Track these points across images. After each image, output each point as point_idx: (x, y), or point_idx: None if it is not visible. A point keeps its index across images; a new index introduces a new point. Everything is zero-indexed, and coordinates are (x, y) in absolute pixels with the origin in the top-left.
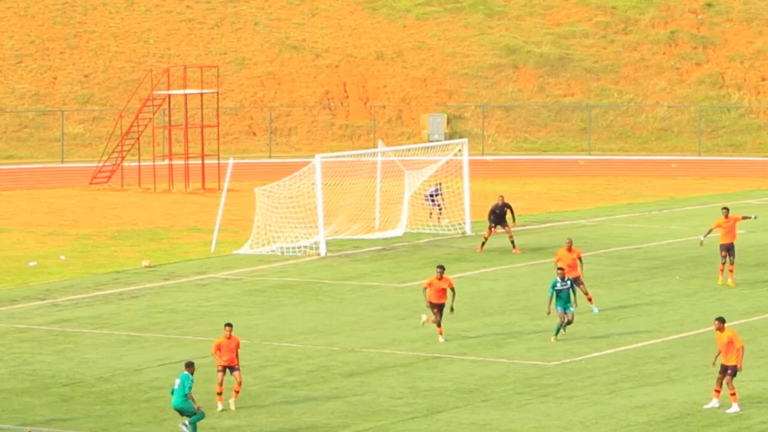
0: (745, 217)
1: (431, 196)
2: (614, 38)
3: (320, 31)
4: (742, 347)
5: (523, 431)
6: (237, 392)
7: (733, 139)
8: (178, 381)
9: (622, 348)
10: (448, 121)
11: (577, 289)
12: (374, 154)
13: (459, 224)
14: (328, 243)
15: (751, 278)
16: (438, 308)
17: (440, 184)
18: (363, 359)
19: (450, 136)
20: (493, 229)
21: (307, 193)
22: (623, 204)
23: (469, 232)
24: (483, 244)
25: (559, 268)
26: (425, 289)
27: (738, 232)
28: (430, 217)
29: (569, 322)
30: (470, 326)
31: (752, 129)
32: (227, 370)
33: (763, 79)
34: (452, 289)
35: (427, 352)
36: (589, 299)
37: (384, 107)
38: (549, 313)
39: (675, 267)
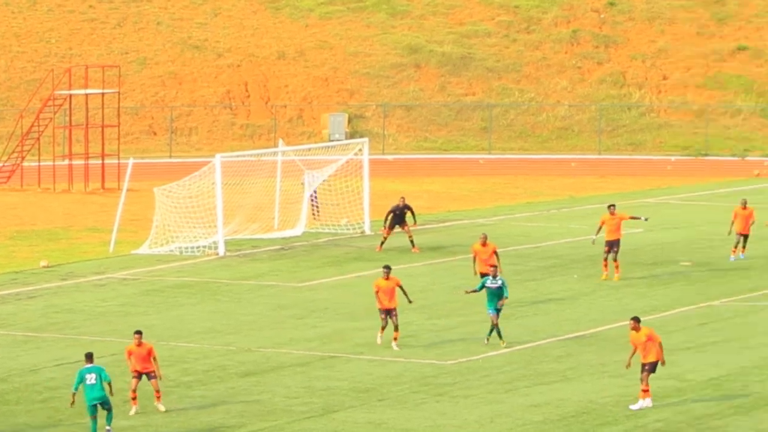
0: (633, 218)
1: (314, 192)
2: (516, 37)
3: (222, 30)
4: (660, 343)
5: (419, 430)
6: (158, 397)
7: (634, 138)
8: (92, 375)
9: (519, 347)
10: (349, 121)
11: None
12: (275, 153)
13: (358, 223)
14: (226, 242)
15: (647, 277)
16: (388, 313)
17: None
18: (260, 359)
19: (351, 135)
20: (387, 229)
21: (206, 192)
22: (523, 203)
23: (368, 232)
24: (382, 243)
25: (491, 266)
26: (377, 293)
27: (636, 231)
28: (315, 218)
29: (495, 326)
30: (367, 325)
31: (652, 128)
32: (143, 376)
33: (665, 78)
34: (401, 287)
35: (323, 352)
36: None
37: (285, 107)
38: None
39: (573, 266)
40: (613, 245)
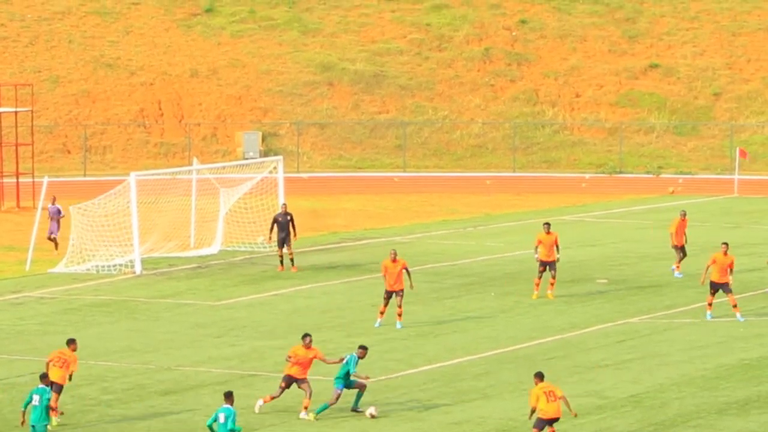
0: (557, 246)
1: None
2: (429, 55)
3: (135, 48)
4: (564, 397)
5: None
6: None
7: (548, 155)
8: (37, 397)
9: (438, 364)
10: (263, 139)
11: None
12: (189, 171)
13: (274, 242)
14: (143, 261)
15: (566, 294)
16: (290, 382)
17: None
18: (179, 377)
19: (265, 153)
20: (279, 249)
21: (122, 211)
22: (438, 221)
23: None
24: (281, 262)
25: (360, 347)
26: (288, 358)
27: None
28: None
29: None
30: (286, 344)
31: (566, 145)
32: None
33: (577, 96)
34: (319, 360)
35: (242, 370)
36: (399, 314)
37: (199, 125)
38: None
39: (490, 283)
40: (550, 264)
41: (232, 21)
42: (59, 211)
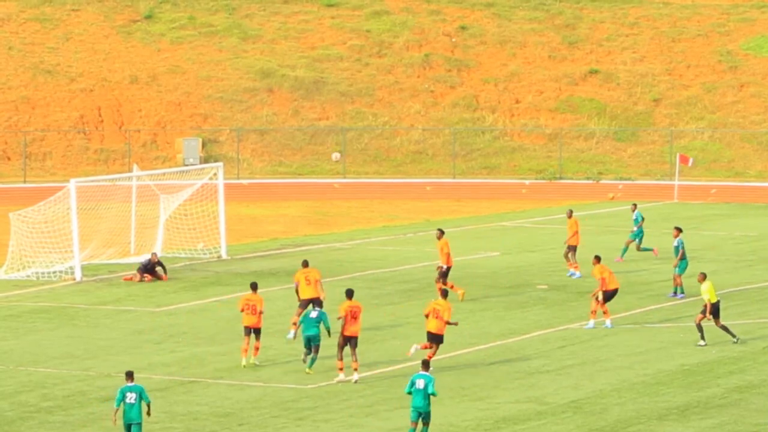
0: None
1: None
2: (369, 61)
3: (75, 55)
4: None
5: None
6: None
7: (488, 161)
8: (133, 395)
9: (378, 371)
10: (203, 145)
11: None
12: (129, 178)
13: (215, 248)
14: (83, 268)
15: (505, 300)
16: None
17: None
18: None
19: (205, 159)
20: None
21: (62, 217)
22: (378, 227)
23: (225, 256)
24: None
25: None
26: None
27: (492, 254)
28: None
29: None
30: (226, 350)
31: (506, 151)
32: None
33: (517, 102)
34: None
35: (183, 377)
36: None
37: (139, 131)
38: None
39: (430, 289)
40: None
41: (171, 27)
42: None
